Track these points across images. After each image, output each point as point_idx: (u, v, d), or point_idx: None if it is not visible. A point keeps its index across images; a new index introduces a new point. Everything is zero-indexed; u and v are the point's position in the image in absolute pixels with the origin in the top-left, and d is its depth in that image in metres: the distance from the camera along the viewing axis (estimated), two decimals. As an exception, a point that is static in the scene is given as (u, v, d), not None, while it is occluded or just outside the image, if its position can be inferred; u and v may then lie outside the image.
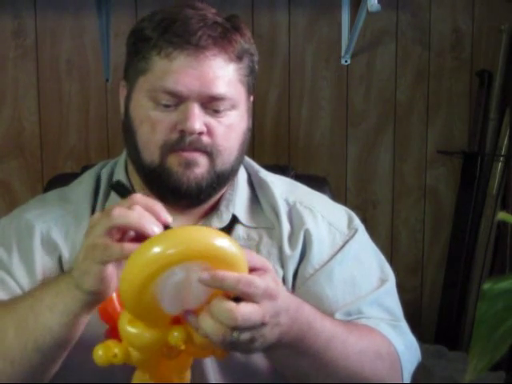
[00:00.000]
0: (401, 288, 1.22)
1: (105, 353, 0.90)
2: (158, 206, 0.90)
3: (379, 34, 2.43)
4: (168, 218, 0.90)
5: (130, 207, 0.90)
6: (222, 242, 0.84)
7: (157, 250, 0.81)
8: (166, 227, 0.89)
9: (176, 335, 0.87)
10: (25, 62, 2.31)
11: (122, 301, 0.87)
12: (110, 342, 0.90)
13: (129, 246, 0.88)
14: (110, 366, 0.91)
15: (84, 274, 0.92)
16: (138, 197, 0.92)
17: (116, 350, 0.90)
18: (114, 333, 0.91)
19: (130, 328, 0.88)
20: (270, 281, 0.88)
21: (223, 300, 0.85)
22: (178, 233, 0.84)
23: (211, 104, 1.10)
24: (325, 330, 0.99)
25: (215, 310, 0.84)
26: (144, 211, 0.89)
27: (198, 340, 0.88)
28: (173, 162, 1.11)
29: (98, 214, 0.95)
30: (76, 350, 1.02)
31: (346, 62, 2.42)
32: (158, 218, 0.89)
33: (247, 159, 1.26)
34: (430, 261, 2.55)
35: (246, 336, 0.86)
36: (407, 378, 1.14)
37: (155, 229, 0.87)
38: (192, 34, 1.08)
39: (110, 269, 0.91)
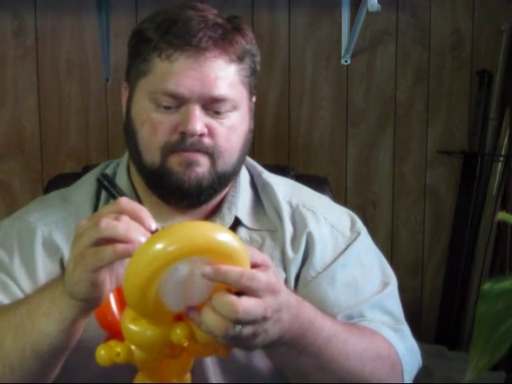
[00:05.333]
0: (401, 288, 1.22)
1: (107, 352, 0.90)
2: (144, 213, 0.89)
3: (379, 34, 2.43)
4: (152, 224, 0.89)
5: (117, 217, 0.89)
6: (225, 236, 0.84)
7: (159, 246, 0.81)
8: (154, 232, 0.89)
9: (179, 332, 0.87)
10: (25, 62, 2.30)
11: (125, 298, 0.87)
12: (112, 342, 0.90)
13: (120, 246, 0.87)
14: (111, 368, 0.91)
15: (76, 284, 0.91)
16: (124, 202, 0.90)
17: (118, 349, 0.90)
18: (114, 339, 0.91)
19: (133, 326, 0.88)
20: (272, 275, 0.88)
21: (225, 293, 0.85)
22: (180, 228, 0.84)
23: (212, 105, 1.10)
24: (325, 328, 0.99)
25: (217, 304, 0.84)
26: (131, 221, 0.88)
27: (200, 337, 0.88)
28: (173, 162, 1.11)
29: (84, 221, 0.93)
30: (77, 353, 1.02)
31: (346, 61, 2.42)
32: (143, 225, 0.88)
33: (250, 160, 1.26)
34: (430, 261, 2.55)
35: (248, 330, 0.86)
36: (408, 381, 1.13)
37: (142, 239, 0.86)
38: (192, 36, 1.08)
39: (102, 275, 0.90)
